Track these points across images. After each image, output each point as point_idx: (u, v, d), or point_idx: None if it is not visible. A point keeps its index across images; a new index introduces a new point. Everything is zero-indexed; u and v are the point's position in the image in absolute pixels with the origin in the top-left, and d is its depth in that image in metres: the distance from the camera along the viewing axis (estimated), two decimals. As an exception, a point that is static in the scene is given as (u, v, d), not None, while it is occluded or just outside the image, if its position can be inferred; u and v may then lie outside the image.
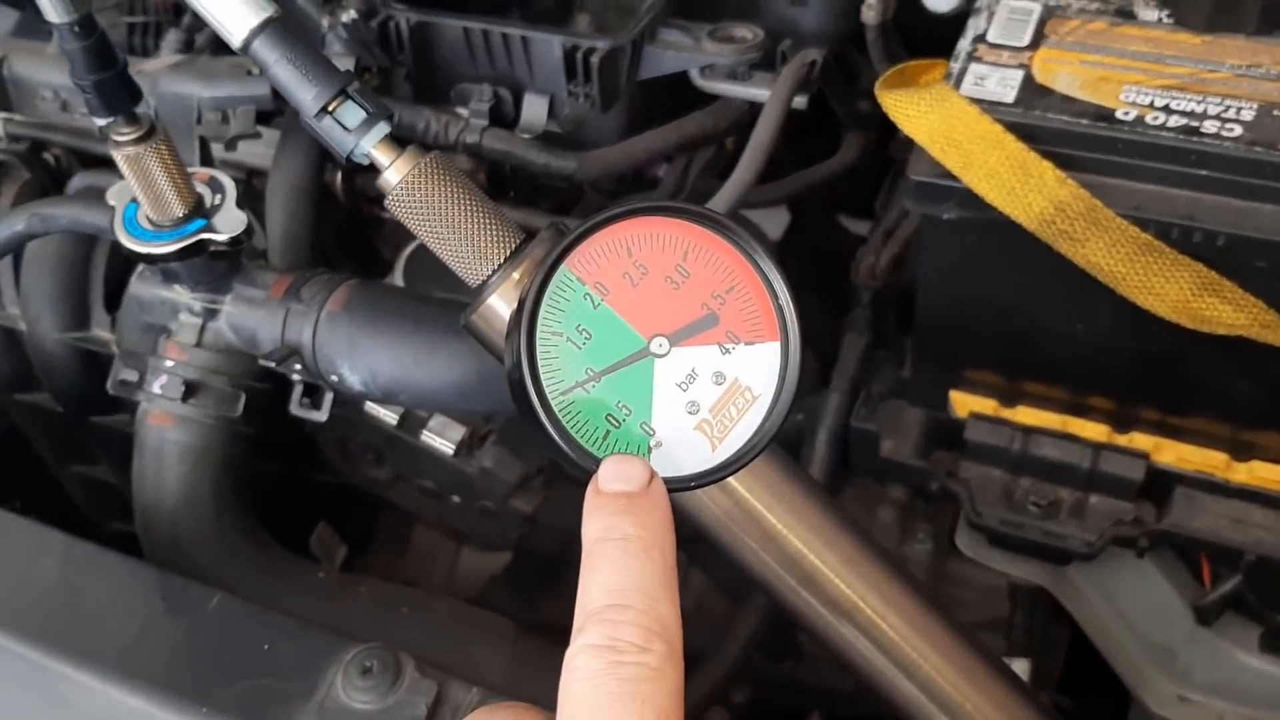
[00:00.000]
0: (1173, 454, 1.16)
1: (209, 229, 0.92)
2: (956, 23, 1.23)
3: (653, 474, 0.54)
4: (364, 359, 0.94)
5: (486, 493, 1.11)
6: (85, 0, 0.79)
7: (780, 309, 0.57)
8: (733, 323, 0.58)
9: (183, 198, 0.92)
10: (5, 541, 0.91)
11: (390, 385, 0.94)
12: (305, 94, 0.63)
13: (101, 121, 0.86)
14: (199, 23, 1.26)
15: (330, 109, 0.64)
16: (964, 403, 1.21)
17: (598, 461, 0.55)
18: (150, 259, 0.92)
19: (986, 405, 1.20)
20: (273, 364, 0.95)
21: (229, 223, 0.92)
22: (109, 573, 0.88)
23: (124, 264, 1.22)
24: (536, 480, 1.13)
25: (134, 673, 0.81)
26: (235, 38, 0.63)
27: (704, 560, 1.47)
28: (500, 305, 0.64)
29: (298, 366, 0.96)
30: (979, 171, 1.00)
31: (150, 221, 0.93)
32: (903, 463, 1.23)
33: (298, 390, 1.00)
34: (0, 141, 1.35)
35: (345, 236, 1.29)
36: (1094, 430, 1.18)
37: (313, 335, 0.95)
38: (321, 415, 0.99)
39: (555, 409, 0.56)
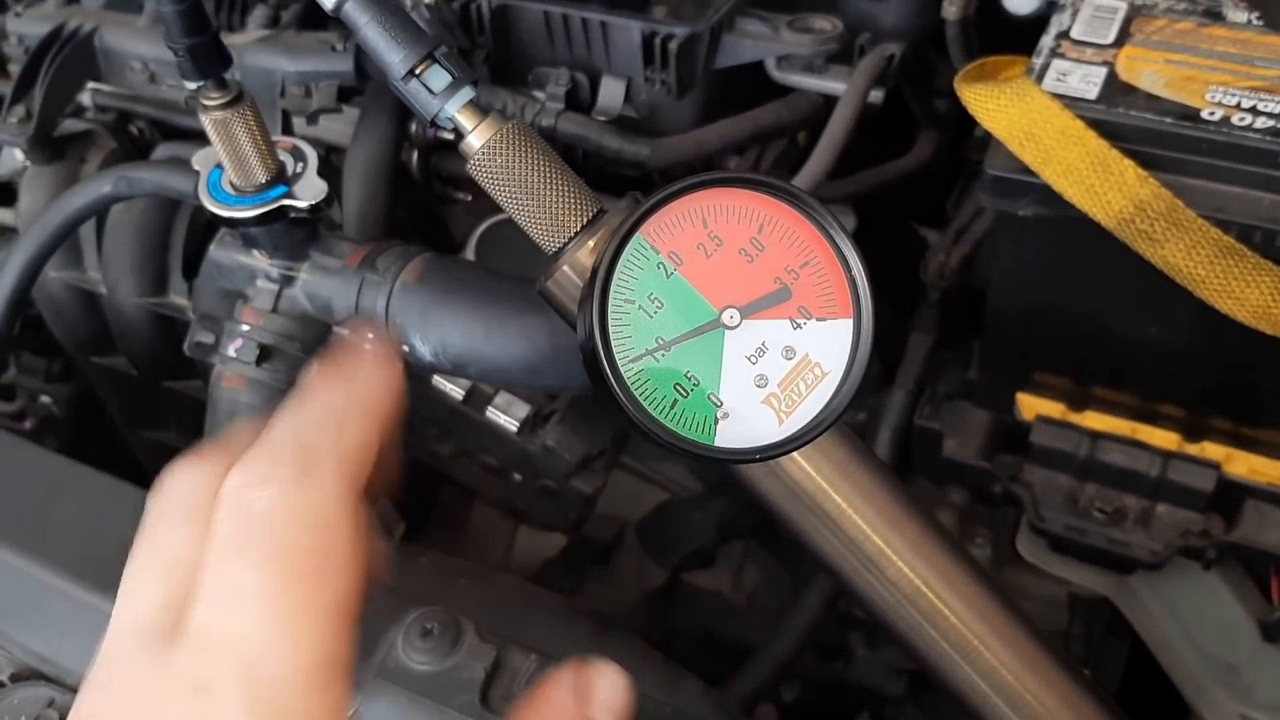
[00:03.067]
0: (1245, 465, 1.14)
1: (290, 195, 0.94)
2: (1037, 25, 1.22)
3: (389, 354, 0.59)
4: (435, 330, 0.95)
5: (548, 471, 1.12)
6: (183, -35, 0.81)
7: (854, 286, 0.57)
8: (806, 298, 0.58)
9: (266, 164, 0.93)
10: (79, 493, 0.94)
11: (460, 357, 0.95)
12: (393, 56, 0.64)
13: (192, 85, 0.87)
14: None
15: (417, 72, 0.64)
16: (1031, 405, 1.19)
17: (667, 430, 0.55)
18: (231, 223, 0.94)
19: (1054, 409, 1.19)
20: (346, 331, 0.96)
21: (310, 190, 0.94)
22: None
23: (203, 232, 1.25)
24: (598, 462, 1.14)
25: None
26: (328, 0, 0.64)
27: (759, 557, 1.47)
28: (574, 272, 0.64)
29: (370, 335, 0.97)
30: (1058, 168, 0.99)
31: (233, 187, 0.95)
32: (966, 464, 1.22)
33: (368, 360, 1.01)
34: (88, 111, 1.38)
35: (419, 215, 1.30)
36: (1164, 438, 1.16)
37: (386, 305, 0.96)
38: (389, 386, 1.00)
39: (625, 376, 0.56)
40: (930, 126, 1.38)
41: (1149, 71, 1.01)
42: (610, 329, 0.56)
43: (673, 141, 1.19)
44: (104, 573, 0.87)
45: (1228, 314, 0.98)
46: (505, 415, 1.10)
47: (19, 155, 1.38)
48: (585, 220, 0.65)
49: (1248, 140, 0.95)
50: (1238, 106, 0.97)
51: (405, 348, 0.97)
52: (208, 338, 1.02)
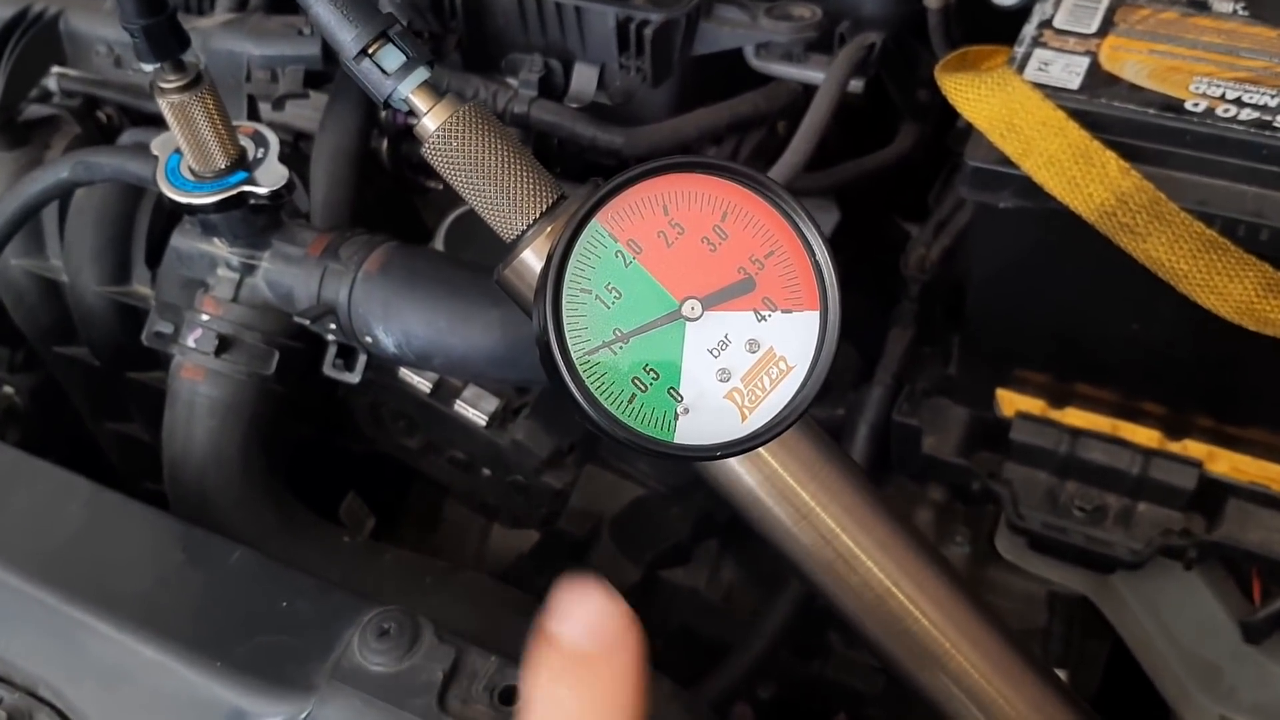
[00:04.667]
0: (1227, 464, 1.12)
1: (250, 181, 0.91)
2: (1022, 15, 1.20)
3: (625, 624, 0.43)
4: (398, 321, 0.93)
5: (517, 466, 1.10)
6: (135, -57, 0.78)
7: (821, 276, 0.55)
8: (770, 288, 0.55)
9: (225, 149, 0.91)
10: (31, 486, 0.91)
11: (424, 349, 0.93)
12: (345, 34, 0.62)
13: (149, 67, 0.85)
14: (253, -20, 1.25)
15: (370, 51, 0.62)
16: (1011, 402, 1.17)
17: (623, 425, 0.53)
18: (190, 209, 0.92)
19: (1034, 405, 1.16)
20: (307, 322, 0.94)
21: (270, 176, 0.92)
22: (132, 521, 0.88)
23: (166, 220, 1.22)
24: (569, 457, 1.11)
25: (151, 623, 0.80)
26: (276, -26, 0.62)
27: (736, 553, 1.45)
28: (534, 260, 0.62)
29: (332, 326, 0.95)
30: (1039, 159, 0.97)
31: (193, 172, 0.92)
32: (944, 461, 1.20)
33: (331, 351, 0.99)
34: (54, 96, 1.35)
35: (389, 204, 1.27)
36: (1145, 435, 1.14)
37: (349, 295, 0.94)
38: (354, 377, 0.98)
39: (579, 369, 0.54)
40: (912, 117, 1.36)
41: (1133, 62, 0.99)
42: (565, 320, 0.53)
43: (648, 130, 1.17)
44: (55, 569, 0.85)
45: (1211, 309, 0.96)
46: (473, 409, 1.08)
47: (-19, 140, 1.35)
48: (545, 207, 0.63)
49: (1232, 132, 0.92)
50: (1222, 98, 0.95)
51: (368, 339, 0.95)
52: (167, 327, 1.00)
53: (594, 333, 0.54)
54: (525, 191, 0.63)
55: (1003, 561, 1.25)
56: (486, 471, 1.13)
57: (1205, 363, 1.06)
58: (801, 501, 0.64)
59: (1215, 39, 0.99)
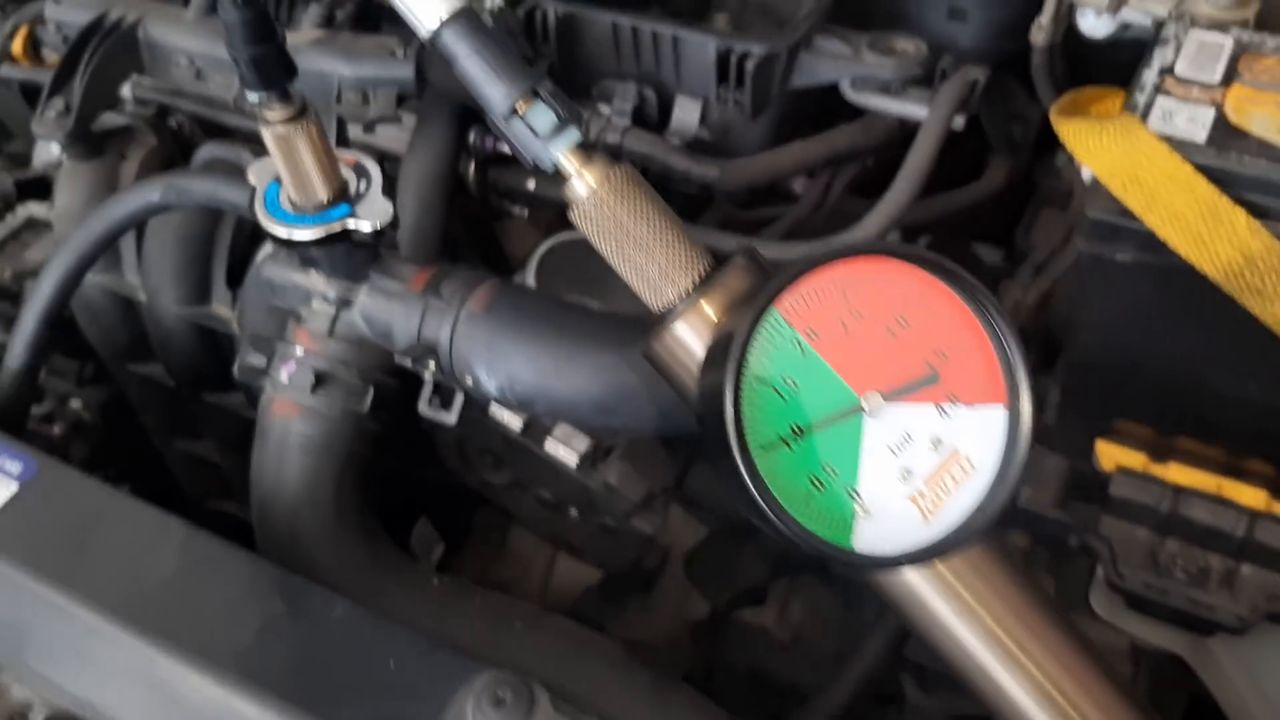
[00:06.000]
0: (1338, 528, 1.08)
1: (353, 216, 0.88)
2: (1117, 52, 1.17)
3: None
4: (503, 364, 0.89)
5: (607, 509, 1.07)
6: (252, -31, 0.76)
7: (1010, 370, 0.52)
8: (955, 382, 0.52)
9: (328, 182, 0.88)
10: (123, 527, 0.89)
11: (528, 393, 0.90)
12: (495, 91, 0.59)
13: (253, 96, 0.82)
14: (341, -1, 1.22)
15: (519, 110, 0.59)
16: (1111, 455, 1.14)
17: (801, 528, 0.50)
18: (291, 244, 0.89)
19: (1135, 459, 1.13)
20: (409, 361, 0.91)
21: (374, 212, 0.88)
22: (229, 568, 0.85)
23: (248, 241, 1.20)
24: (659, 500, 1.08)
25: (252, 677, 0.77)
26: (424, 26, 0.59)
27: (804, 592, 1.42)
28: (687, 334, 0.59)
29: (431, 365, 0.92)
30: (1164, 214, 0.93)
31: (292, 204, 0.90)
32: (1039, 513, 1.16)
33: (427, 389, 0.96)
34: (126, 104, 1.33)
35: (471, 229, 1.25)
36: (1251, 496, 1.10)
37: (450, 334, 0.91)
38: (451, 418, 0.95)
39: (756, 463, 0.50)
40: (1005, 152, 1.32)
41: (1260, 115, 0.95)
42: (742, 411, 0.50)
43: (744, 163, 1.14)
44: (149, 614, 0.82)
45: (1338, 375, 0.92)
46: (565, 448, 1.05)
47: (55, 148, 1.33)
48: (696, 278, 0.60)
49: (1369, 195, 0.89)
50: (1358, 157, 0.91)
51: (469, 379, 0.92)
52: (259, 360, 0.97)
53: (770, 426, 0.51)
54: (677, 261, 0.60)
55: (1085, 609, 1.22)
56: (574, 513, 1.10)
57: (1322, 425, 1.03)
58: (965, 599, 0.60)
59: (1348, 94, 0.95)
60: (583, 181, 0.60)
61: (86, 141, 1.22)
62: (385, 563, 1.00)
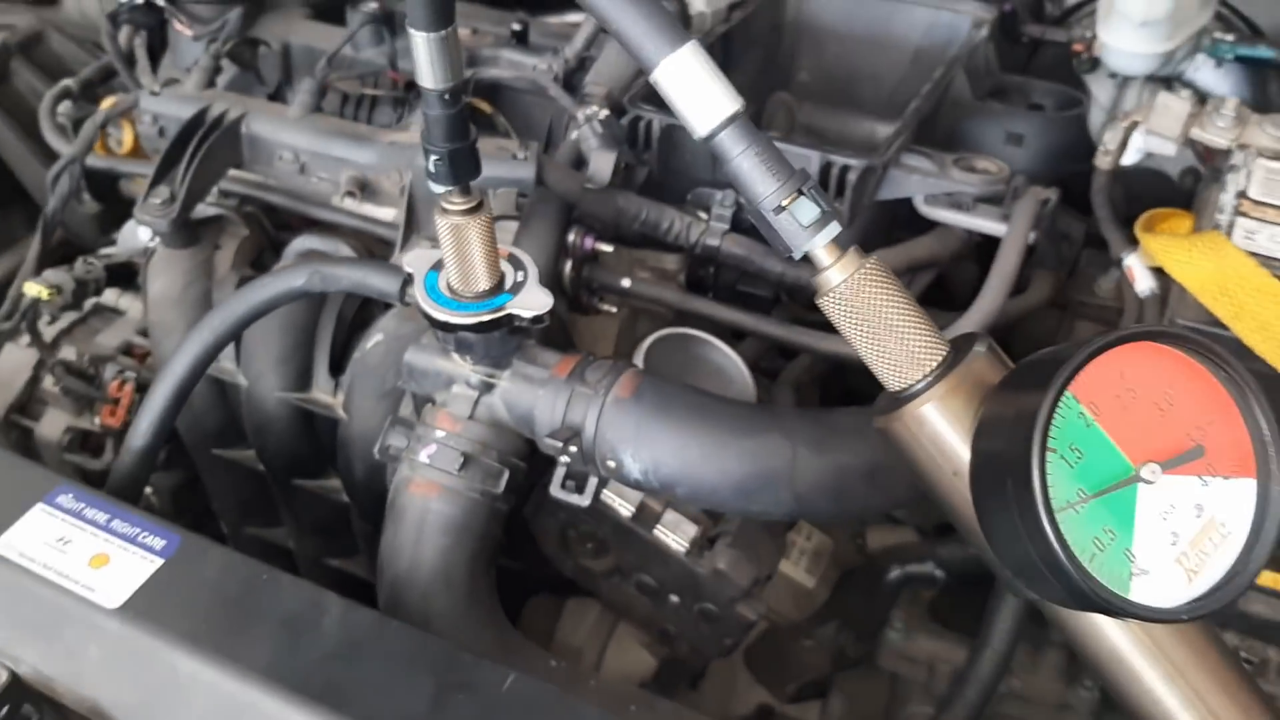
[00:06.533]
0: (1386, 621, 1.16)
1: (514, 305, 0.92)
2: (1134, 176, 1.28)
3: None
4: (649, 448, 0.93)
5: (712, 595, 1.10)
6: (459, 70, 0.81)
7: (1262, 445, 0.58)
8: (1214, 455, 0.58)
9: (491, 272, 0.92)
10: (278, 600, 0.89)
11: (672, 477, 0.94)
12: (766, 188, 0.64)
13: (440, 189, 0.87)
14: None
15: (785, 205, 0.64)
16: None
17: (1096, 581, 0.54)
18: (452, 328, 0.92)
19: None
20: (559, 444, 0.94)
21: (534, 301, 0.93)
22: (392, 640, 0.86)
23: (349, 330, 1.23)
24: (764, 586, 1.12)
25: (433, 750, 0.78)
26: (703, 126, 0.64)
27: (844, 688, 1.45)
28: (932, 413, 0.64)
29: (573, 449, 0.95)
30: (1251, 323, 1.02)
31: (451, 291, 0.93)
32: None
33: (559, 473, 0.99)
34: (212, 197, 1.36)
35: (555, 324, 1.29)
36: (1306, 591, 1.17)
37: (597, 418, 0.94)
38: (585, 500, 0.98)
39: (1059, 525, 0.55)
40: (1050, 267, 1.41)
41: (1332, 236, 1.04)
42: (1046, 476, 0.55)
43: (834, 269, 1.20)
44: (311, 684, 0.83)
45: None
46: (674, 534, 1.08)
47: (143, 235, 1.35)
48: (938, 360, 0.65)
49: None
50: None
51: (611, 463, 0.96)
52: (401, 441, 0.99)
53: (1060, 491, 0.56)
54: (920, 345, 0.65)
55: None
56: (675, 599, 1.12)
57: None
58: (1167, 664, 0.65)
59: (1405, 219, 1.05)
60: (838, 270, 0.65)
61: (185, 230, 1.24)
62: (509, 645, 1.02)
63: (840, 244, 0.66)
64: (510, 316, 0.92)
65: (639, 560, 1.12)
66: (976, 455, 0.60)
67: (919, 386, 0.65)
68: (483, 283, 0.92)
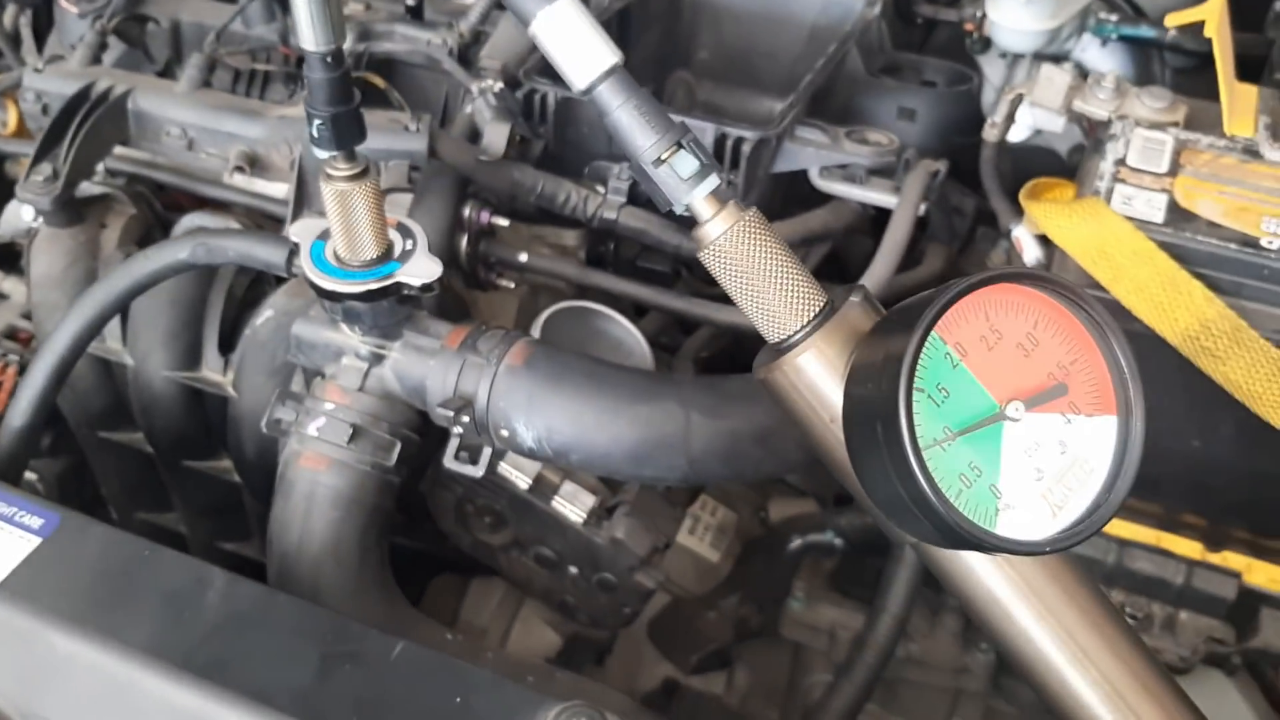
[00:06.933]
0: (1264, 575, 1.20)
1: (403, 273, 0.91)
2: (1022, 152, 1.31)
3: None
4: (542, 416, 0.93)
5: (611, 565, 1.10)
6: (341, 32, 0.80)
7: (1124, 383, 0.59)
8: (1077, 394, 0.59)
9: (378, 240, 0.91)
10: (161, 576, 0.87)
11: (565, 444, 0.94)
12: (645, 140, 0.64)
13: (324, 154, 0.85)
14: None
15: (664, 157, 0.65)
16: (1063, 511, 1.24)
17: (962, 515, 0.56)
18: (339, 296, 0.91)
19: (1083, 515, 1.23)
20: (450, 413, 0.93)
21: (423, 269, 0.92)
22: (278, 612, 0.85)
23: (239, 306, 1.21)
24: (660, 555, 1.12)
25: (314, 718, 0.77)
26: (581, 79, 0.64)
27: (748, 659, 1.46)
28: (810, 363, 0.65)
29: (465, 419, 0.95)
30: (1129, 285, 1.05)
31: (339, 260, 0.92)
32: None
33: (453, 444, 0.98)
34: (97, 175, 1.32)
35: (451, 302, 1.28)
36: (1188, 547, 1.21)
37: (489, 388, 0.94)
38: (478, 471, 0.98)
39: (926, 462, 0.56)
40: (943, 240, 1.43)
41: (1206, 201, 1.08)
42: (914, 415, 0.56)
43: (730, 240, 1.21)
44: (195, 659, 0.81)
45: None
46: (571, 505, 1.08)
47: (25, 215, 1.31)
48: (815, 311, 0.66)
49: (1304, 269, 1.02)
50: (1290, 237, 1.04)
51: (504, 433, 0.95)
52: (289, 414, 0.98)
53: (926, 430, 0.57)
54: (799, 296, 0.66)
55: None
56: (574, 570, 1.12)
57: (1254, 479, 1.15)
58: (1040, 603, 0.67)
59: (1275, 184, 1.09)
60: (717, 223, 0.65)
61: (69, 209, 1.21)
62: (403, 618, 1.01)
63: (720, 197, 0.66)
64: (398, 285, 0.91)
65: (537, 532, 1.11)
66: (848, 399, 0.61)
67: (797, 337, 0.66)
68: (370, 251, 0.91)
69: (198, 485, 1.25)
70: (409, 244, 0.94)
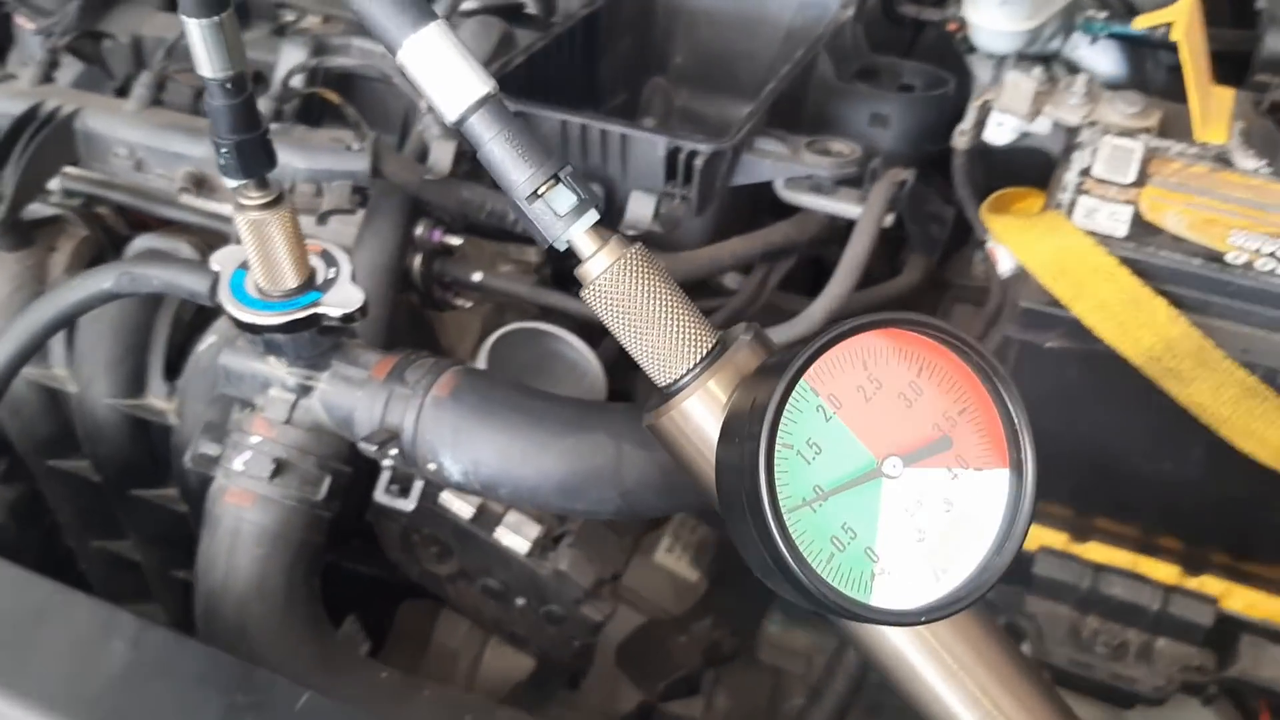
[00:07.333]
0: (1241, 600, 1.15)
1: (323, 303, 0.89)
2: (1010, 155, 1.26)
3: None
4: (468, 449, 0.90)
5: (556, 597, 1.07)
6: (239, 58, 0.77)
7: (1015, 434, 0.55)
8: (963, 446, 0.55)
9: (298, 269, 0.88)
10: (69, 621, 0.85)
11: (493, 478, 0.90)
12: (519, 174, 0.61)
13: (232, 184, 0.83)
14: (289, 92, 1.24)
15: (540, 192, 0.61)
16: (1034, 535, 1.19)
17: (828, 585, 0.52)
18: (257, 329, 0.88)
19: (1057, 539, 1.18)
20: (373, 447, 0.90)
21: (343, 298, 0.89)
22: (185, 660, 0.82)
23: (186, 331, 1.19)
24: (607, 587, 1.09)
25: (217, 774, 0.75)
26: (451, 111, 0.61)
27: (729, 682, 1.43)
28: (696, 408, 0.61)
29: (393, 452, 0.92)
30: (1090, 303, 1.00)
31: (259, 290, 0.90)
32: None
33: (384, 477, 0.96)
34: (54, 196, 1.31)
35: (413, 322, 1.25)
36: (1164, 571, 1.16)
37: (415, 420, 0.91)
38: (409, 504, 0.95)
39: (787, 526, 0.52)
40: (921, 250, 1.39)
41: (1172, 213, 1.03)
42: (774, 475, 0.52)
43: (688, 255, 1.18)
44: (96, 711, 0.79)
45: (1248, 454, 0.99)
46: (516, 535, 1.05)
47: (-24, 239, 1.30)
48: (703, 353, 0.62)
49: (1272, 285, 0.97)
50: (1258, 252, 0.99)
51: (431, 465, 0.92)
52: (213, 449, 0.96)
53: (795, 489, 0.53)
54: (686, 338, 0.62)
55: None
56: (520, 601, 1.09)
57: (1230, 503, 1.10)
58: (948, 661, 0.63)
59: (1245, 194, 1.04)
60: (598, 260, 0.62)
61: (17, 232, 1.19)
62: (334, 656, 0.98)
63: (600, 233, 0.62)
64: (317, 316, 0.89)
65: (482, 563, 1.08)
66: (719, 453, 0.57)
67: (684, 380, 0.62)
68: (289, 280, 0.89)
69: (147, 513, 1.23)
70: (331, 272, 0.91)
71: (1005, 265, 1.22)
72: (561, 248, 0.63)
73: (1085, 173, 1.07)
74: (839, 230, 1.30)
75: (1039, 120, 1.21)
